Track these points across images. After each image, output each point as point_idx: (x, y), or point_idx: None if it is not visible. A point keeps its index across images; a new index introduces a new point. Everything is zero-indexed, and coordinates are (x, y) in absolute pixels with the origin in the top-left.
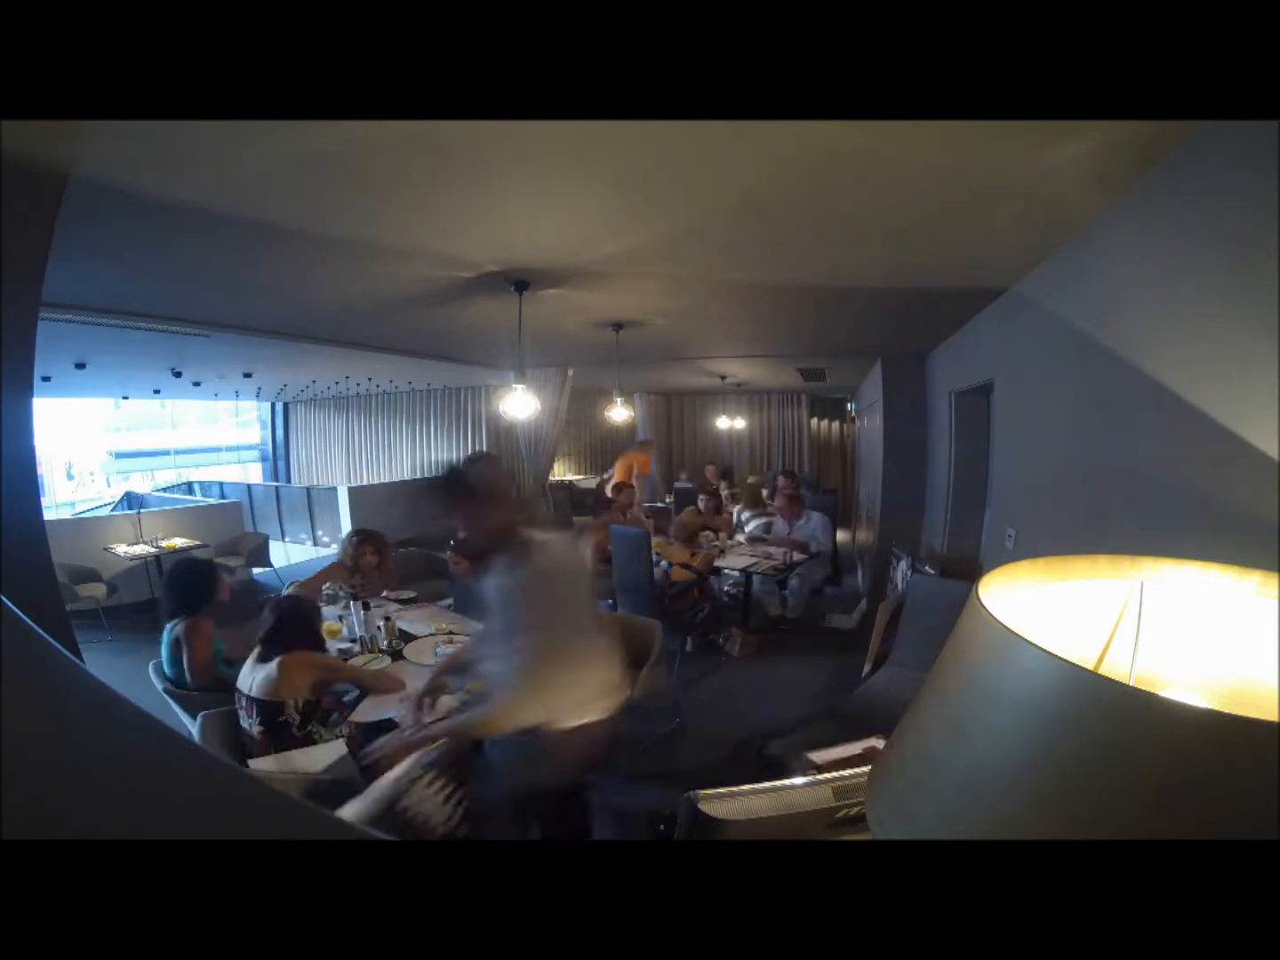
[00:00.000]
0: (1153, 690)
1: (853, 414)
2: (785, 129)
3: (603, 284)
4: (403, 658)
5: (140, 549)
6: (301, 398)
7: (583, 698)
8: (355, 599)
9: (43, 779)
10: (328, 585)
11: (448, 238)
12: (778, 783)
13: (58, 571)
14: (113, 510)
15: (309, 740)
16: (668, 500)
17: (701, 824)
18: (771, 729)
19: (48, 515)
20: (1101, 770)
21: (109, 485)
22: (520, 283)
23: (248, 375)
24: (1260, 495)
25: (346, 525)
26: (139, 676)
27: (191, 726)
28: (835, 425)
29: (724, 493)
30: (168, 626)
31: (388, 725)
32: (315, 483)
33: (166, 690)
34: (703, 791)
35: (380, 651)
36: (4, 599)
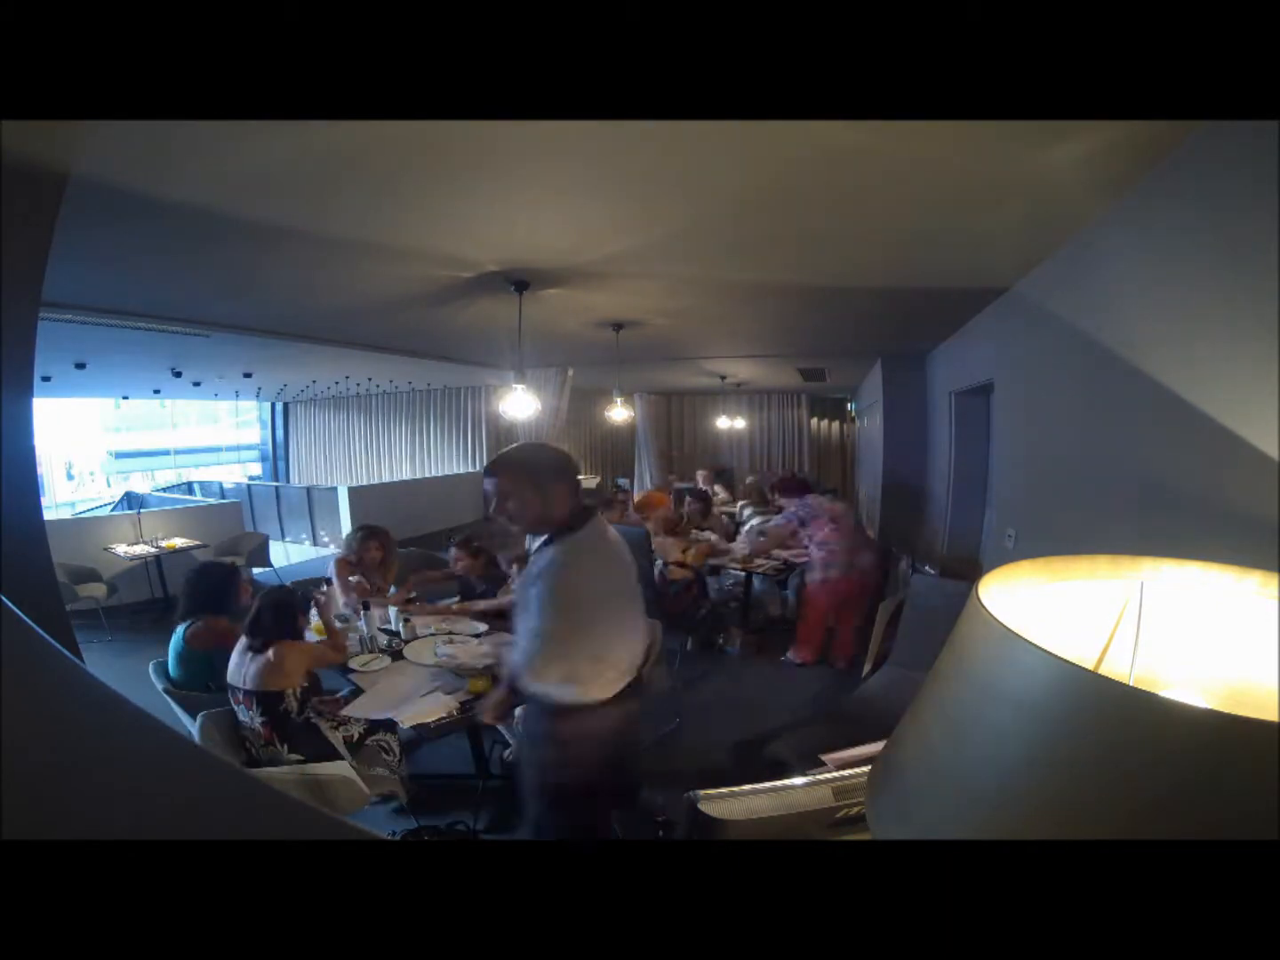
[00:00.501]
0: (1153, 690)
1: (853, 414)
2: (785, 129)
3: (603, 284)
4: (403, 658)
5: (140, 549)
6: (301, 398)
7: (611, 675)
8: (366, 608)
9: (43, 779)
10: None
11: (448, 238)
12: (778, 783)
13: (58, 571)
14: (113, 510)
15: (310, 727)
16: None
17: (701, 824)
18: (771, 729)
19: (48, 515)
20: (1101, 770)
21: (109, 485)
22: (520, 283)
23: (248, 375)
24: (1260, 495)
25: (346, 525)
26: (139, 676)
27: (191, 727)
28: (835, 425)
29: (720, 495)
30: (179, 628)
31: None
32: (315, 483)
33: (166, 690)
34: (703, 791)
35: (381, 651)
36: (4, 599)
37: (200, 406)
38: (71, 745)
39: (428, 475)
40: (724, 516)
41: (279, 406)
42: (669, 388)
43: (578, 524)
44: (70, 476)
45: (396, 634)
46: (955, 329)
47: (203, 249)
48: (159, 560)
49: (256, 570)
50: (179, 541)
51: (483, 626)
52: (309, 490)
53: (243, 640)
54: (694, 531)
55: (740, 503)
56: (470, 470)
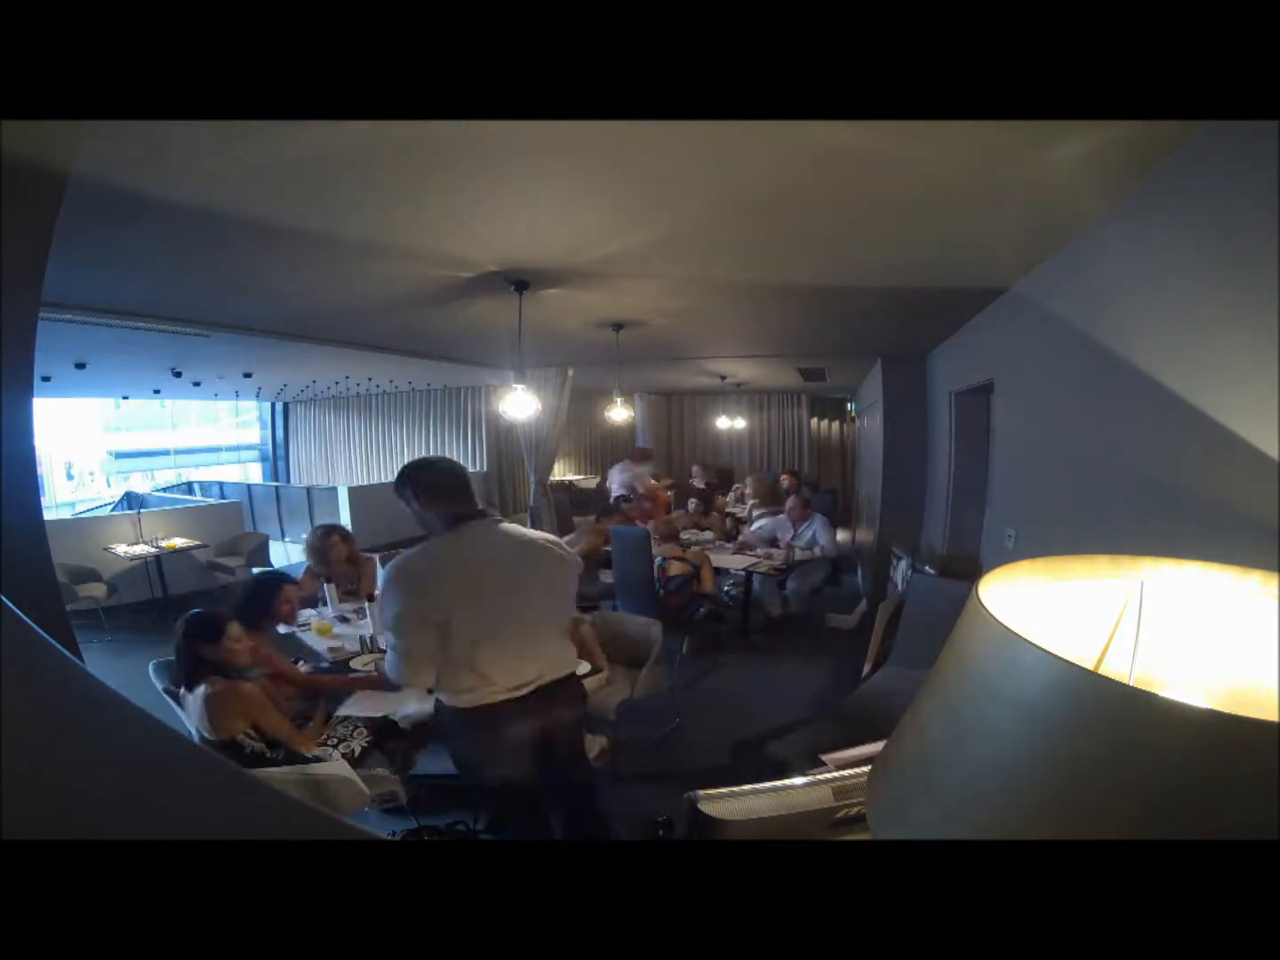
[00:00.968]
0: (1153, 690)
1: (853, 414)
2: (785, 129)
3: (603, 284)
4: None
5: (140, 549)
6: (301, 398)
7: (474, 681)
8: (370, 599)
9: (43, 779)
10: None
11: (448, 238)
12: (778, 783)
13: (57, 571)
14: (113, 510)
15: (300, 759)
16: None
17: (701, 824)
18: (771, 730)
19: (48, 515)
20: (1101, 770)
21: (109, 485)
22: (520, 283)
23: (248, 375)
24: (1260, 495)
25: (347, 525)
26: (139, 676)
27: (191, 727)
28: (835, 425)
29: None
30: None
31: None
32: (315, 483)
33: (167, 690)
34: (703, 791)
35: (381, 651)
36: (4, 599)
37: (200, 406)
38: (71, 745)
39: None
40: (727, 518)
41: (279, 406)
42: (669, 388)
43: (439, 533)
44: (70, 476)
45: None
46: (955, 329)
47: (203, 249)
48: (159, 560)
49: (257, 570)
50: (179, 541)
51: None
52: (309, 490)
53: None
54: (694, 531)
55: (750, 502)
56: (470, 470)
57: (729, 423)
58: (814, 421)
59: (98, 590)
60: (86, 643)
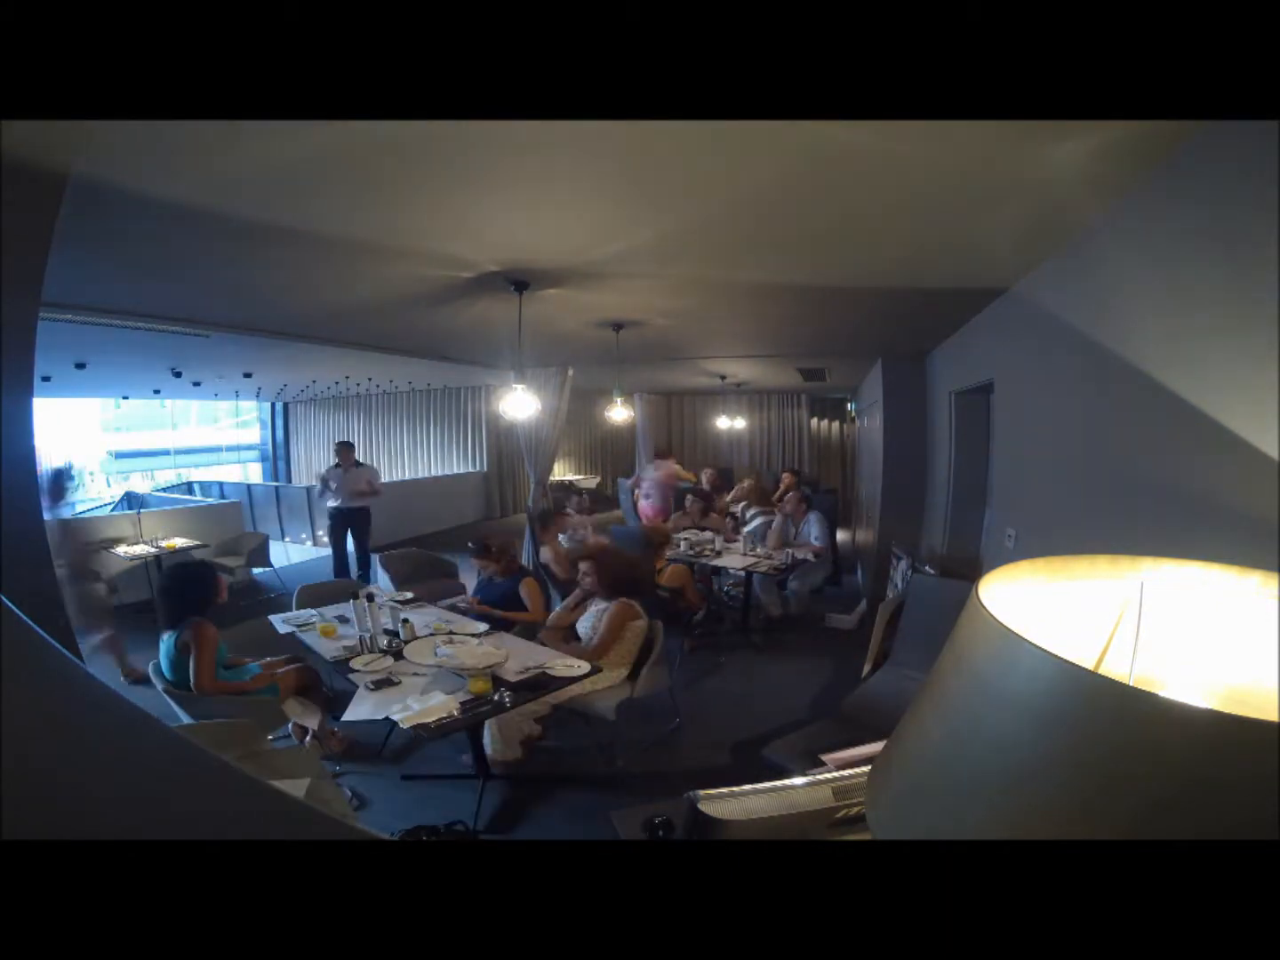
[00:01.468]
0: (1153, 690)
1: (853, 414)
2: (785, 129)
3: (603, 284)
4: (403, 658)
5: (140, 549)
6: (301, 398)
7: None
8: (370, 599)
9: (43, 779)
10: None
11: (448, 238)
12: (778, 783)
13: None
14: (113, 510)
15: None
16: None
17: (701, 824)
18: (771, 730)
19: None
20: (1101, 770)
21: (109, 485)
22: (520, 283)
23: (248, 375)
24: (1260, 495)
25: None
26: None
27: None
28: (835, 425)
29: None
30: (167, 635)
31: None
32: (315, 483)
33: (167, 690)
34: (703, 791)
35: (381, 651)
36: (4, 599)
37: (200, 406)
38: (71, 745)
39: (428, 475)
40: (730, 519)
41: (279, 406)
42: (669, 388)
43: None
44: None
45: (396, 634)
46: (955, 329)
47: (203, 249)
48: (159, 560)
49: (256, 570)
50: (179, 541)
51: (483, 626)
52: (309, 490)
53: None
54: (694, 531)
55: (742, 503)
56: (470, 470)
57: (729, 423)
58: (814, 421)
59: (98, 590)
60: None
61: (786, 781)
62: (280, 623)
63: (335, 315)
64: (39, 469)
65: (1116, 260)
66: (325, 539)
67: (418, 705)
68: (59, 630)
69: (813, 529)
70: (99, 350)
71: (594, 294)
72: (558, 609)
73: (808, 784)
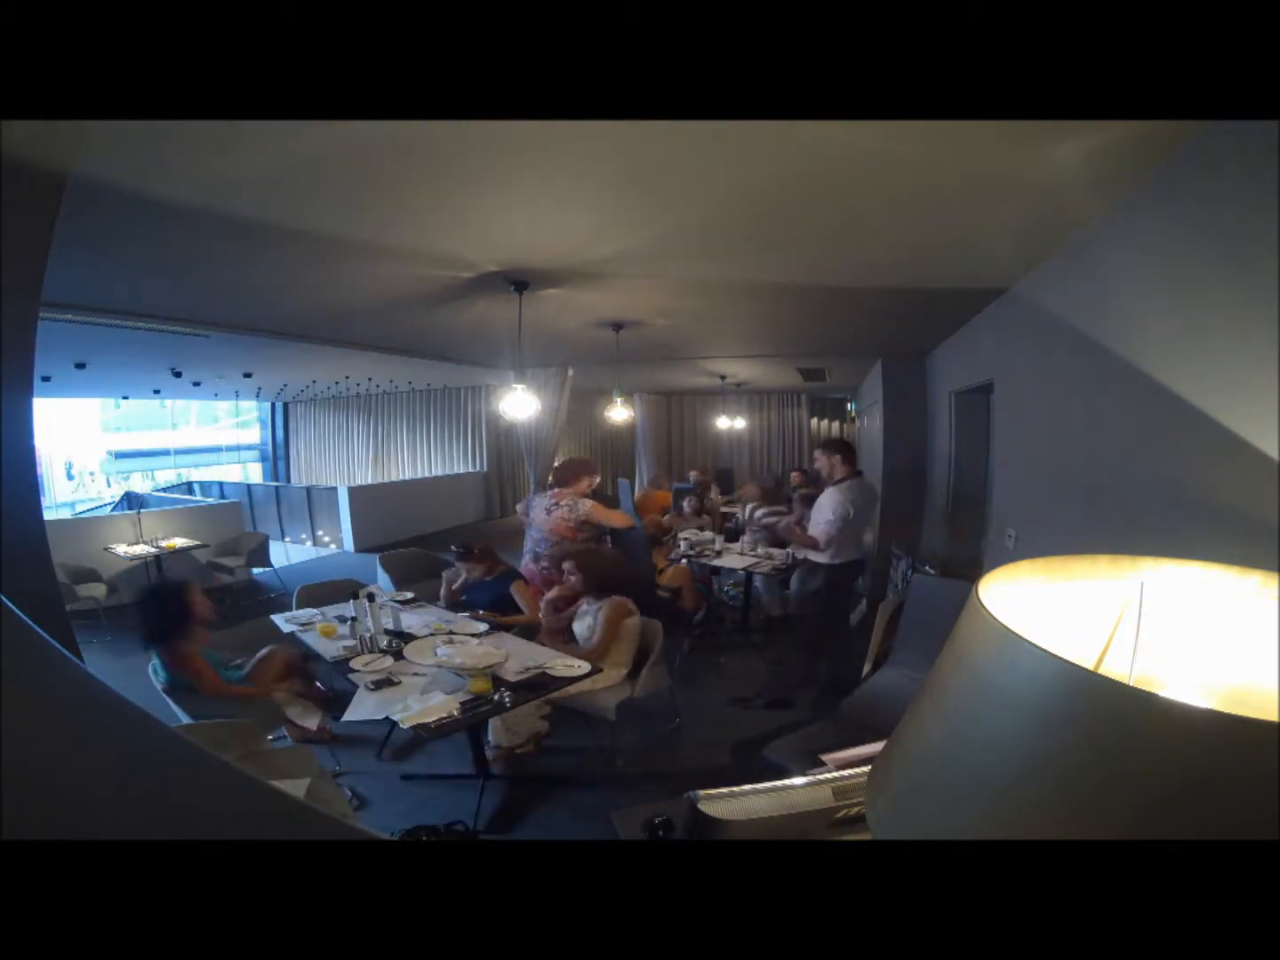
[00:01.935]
0: (1153, 690)
1: (853, 414)
2: (785, 129)
3: (603, 284)
4: (403, 658)
5: (140, 549)
6: (301, 398)
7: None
8: (371, 599)
9: (43, 779)
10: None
11: (448, 238)
12: (778, 783)
13: (58, 572)
14: (113, 510)
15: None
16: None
17: (701, 824)
18: (771, 730)
19: (48, 515)
20: (1101, 770)
21: (109, 485)
22: (520, 283)
23: (248, 375)
24: (1260, 495)
25: (347, 525)
26: (139, 676)
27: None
28: (835, 425)
29: (715, 496)
30: (155, 658)
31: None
32: (315, 483)
33: (166, 690)
34: (703, 791)
35: (381, 651)
36: (4, 599)
37: (200, 406)
38: (71, 745)
39: (428, 475)
40: (730, 519)
41: (279, 406)
42: (669, 388)
43: None
44: (70, 476)
45: (398, 634)
46: (955, 329)
47: (203, 249)
48: (159, 560)
49: (256, 570)
50: (179, 541)
51: (483, 626)
52: (309, 490)
53: None
54: (694, 531)
55: (750, 504)
56: (470, 470)
57: (729, 423)
58: (814, 421)
59: (97, 590)
60: (86, 643)
61: (786, 781)
62: (283, 622)
63: (335, 315)
64: (39, 469)
65: (1117, 260)
66: (325, 539)
67: (418, 705)
68: (59, 630)
69: (824, 513)
70: (99, 350)
71: (594, 294)
72: (543, 611)
73: (808, 784)
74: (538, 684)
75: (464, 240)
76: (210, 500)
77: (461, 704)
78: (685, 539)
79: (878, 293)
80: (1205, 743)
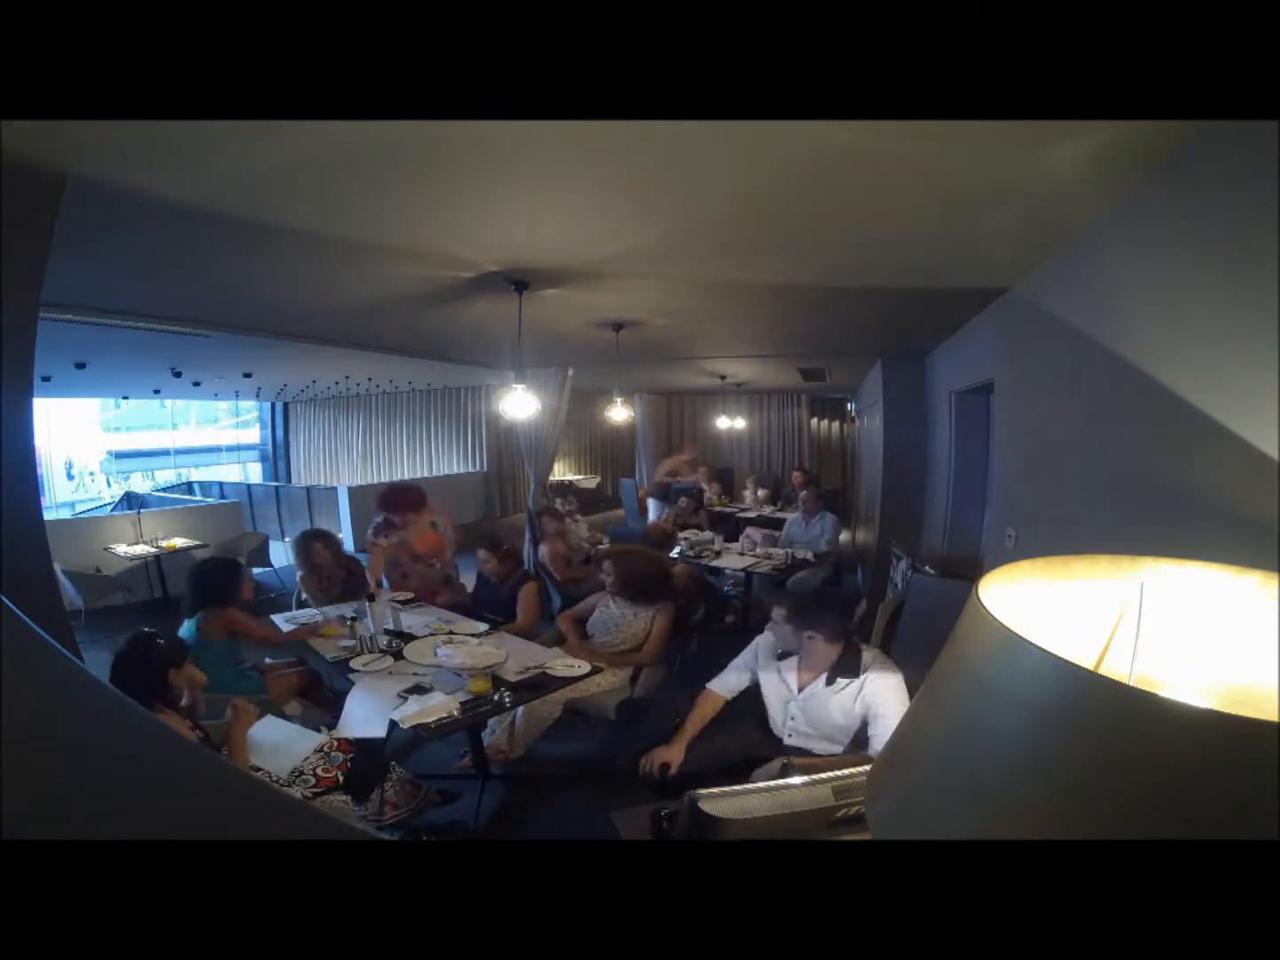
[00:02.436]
0: (1153, 690)
1: (853, 414)
2: (785, 129)
3: (603, 284)
4: (403, 658)
5: (140, 549)
6: (301, 398)
7: None
8: (371, 599)
9: (43, 779)
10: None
11: (448, 238)
12: (777, 782)
13: (74, 579)
14: (113, 510)
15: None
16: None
17: (701, 824)
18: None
19: (48, 515)
20: (1102, 770)
21: (109, 485)
22: (520, 283)
23: (248, 375)
24: (1260, 495)
25: (347, 525)
26: None
27: None
28: (835, 425)
29: (713, 496)
30: (188, 621)
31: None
32: (315, 483)
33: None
34: (702, 791)
35: (381, 651)
36: (4, 599)
37: (200, 406)
38: (71, 745)
39: (428, 475)
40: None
41: (279, 406)
42: (669, 388)
43: None
44: (70, 476)
45: (398, 634)
46: (955, 329)
47: (203, 249)
48: (159, 560)
49: (256, 570)
50: (179, 541)
51: (483, 626)
52: (309, 490)
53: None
54: (694, 532)
55: (737, 505)
56: (470, 470)
57: (729, 423)
58: (814, 421)
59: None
60: (86, 642)
61: (786, 781)
62: (283, 622)
63: (335, 315)
64: (39, 469)
65: (1117, 260)
66: None
67: (418, 705)
68: (59, 630)
69: (827, 530)
70: (99, 350)
71: (594, 294)
72: (568, 610)
73: (808, 784)
74: (538, 684)
75: (464, 240)
76: (210, 500)
77: (461, 704)
78: (685, 539)
79: (878, 293)
80: (1205, 743)
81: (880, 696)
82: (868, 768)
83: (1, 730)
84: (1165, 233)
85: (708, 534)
